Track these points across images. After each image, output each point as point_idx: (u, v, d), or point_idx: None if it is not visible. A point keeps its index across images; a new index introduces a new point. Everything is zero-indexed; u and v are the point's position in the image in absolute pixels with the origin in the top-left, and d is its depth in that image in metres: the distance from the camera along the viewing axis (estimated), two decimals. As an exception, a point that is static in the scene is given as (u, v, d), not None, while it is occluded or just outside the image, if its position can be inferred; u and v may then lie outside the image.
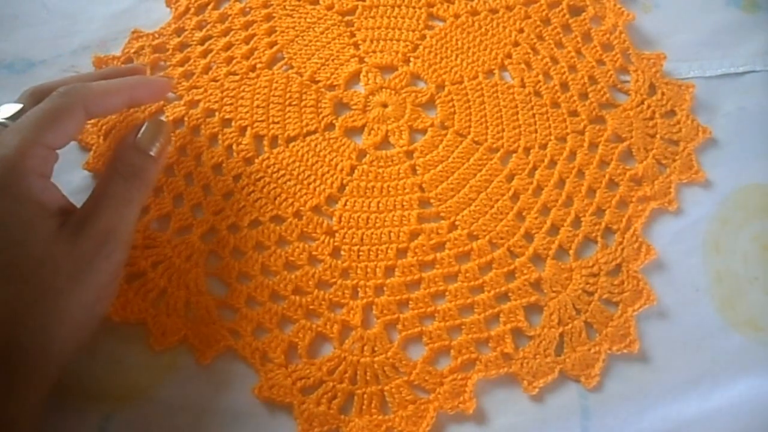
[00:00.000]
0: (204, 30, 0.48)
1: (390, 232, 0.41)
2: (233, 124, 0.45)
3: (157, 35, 0.48)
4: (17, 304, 0.32)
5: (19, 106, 0.38)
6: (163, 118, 0.45)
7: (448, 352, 0.39)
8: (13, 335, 0.31)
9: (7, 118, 0.37)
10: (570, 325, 0.39)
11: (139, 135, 0.38)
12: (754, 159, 0.45)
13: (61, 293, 0.33)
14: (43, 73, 0.48)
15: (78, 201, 0.42)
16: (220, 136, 0.45)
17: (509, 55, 0.47)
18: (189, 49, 0.48)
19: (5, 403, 0.31)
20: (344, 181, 0.43)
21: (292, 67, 0.47)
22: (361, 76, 0.47)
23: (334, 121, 0.45)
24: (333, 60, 0.47)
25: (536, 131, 0.45)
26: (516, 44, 0.48)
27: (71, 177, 0.44)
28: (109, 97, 0.39)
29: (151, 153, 0.38)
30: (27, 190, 0.33)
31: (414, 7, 0.49)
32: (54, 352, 0.33)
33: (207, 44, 0.48)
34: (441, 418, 0.37)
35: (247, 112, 0.45)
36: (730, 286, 0.40)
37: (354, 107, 0.46)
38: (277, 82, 0.46)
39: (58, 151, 0.44)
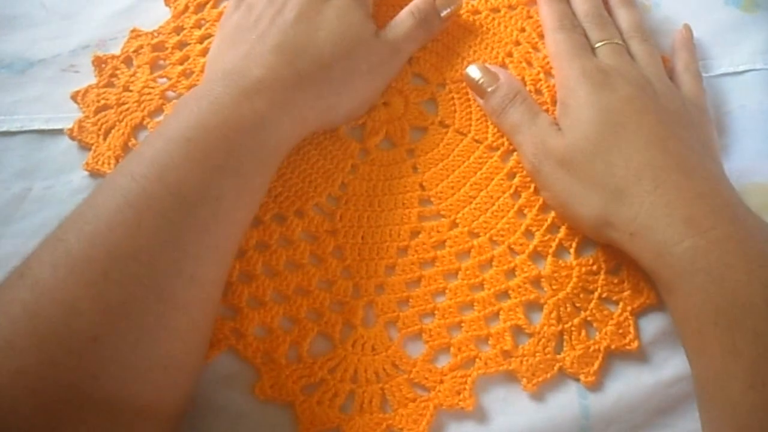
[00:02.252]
0: (203, 28, 0.48)
1: (391, 230, 0.41)
2: (233, 123, 0.45)
3: (156, 34, 0.48)
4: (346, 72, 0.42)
5: None
6: (162, 117, 0.45)
7: (448, 350, 0.39)
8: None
9: None
10: (570, 323, 0.39)
11: None
12: (754, 158, 0.45)
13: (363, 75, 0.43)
14: (42, 73, 0.48)
15: (78, 201, 0.42)
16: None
17: (510, 54, 0.47)
18: (188, 48, 0.48)
19: None
20: (345, 180, 0.43)
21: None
22: (362, 75, 0.46)
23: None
24: None
25: (537, 130, 0.45)
26: (517, 43, 0.48)
27: (71, 177, 0.44)
28: None
29: (442, 14, 0.46)
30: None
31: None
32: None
33: (206, 43, 0.48)
34: (441, 416, 0.37)
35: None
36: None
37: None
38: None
39: (60, 151, 0.44)
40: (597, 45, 0.44)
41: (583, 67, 0.42)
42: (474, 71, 0.45)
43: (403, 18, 0.45)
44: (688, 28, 0.48)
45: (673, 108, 0.41)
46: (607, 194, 0.38)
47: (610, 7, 0.47)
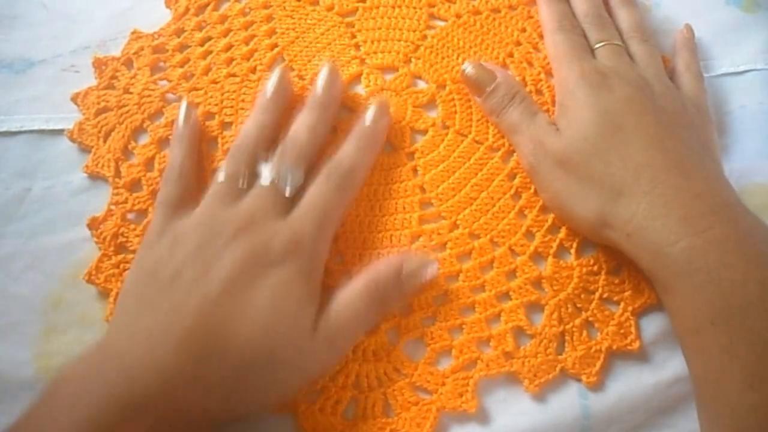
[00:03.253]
0: (204, 31, 0.48)
1: (392, 235, 0.41)
2: (233, 127, 0.45)
3: (156, 36, 0.48)
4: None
5: None
6: (162, 120, 0.45)
7: (449, 352, 0.39)
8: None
9: None
10: (571, 324, 0.39)
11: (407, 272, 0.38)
12: (755, 158, 0.45)
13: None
14: (43, 73, 0.47)
15: (78, 202, 0.42)
16: (219, 140, 0.44)
17: (511, 54, 0.47)
18: (189, 50, 0.48)
19: None
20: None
21: (293, 70, 0.47)
22: (362, 78, 0.46)
23: (335, 124, 0.45)
24: (334, 62, 0.47)
25: (537, 130, 0.45)
26: (518, 44, 0.48)
27: (71, 177, 0.44)
28: None
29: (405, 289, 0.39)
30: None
31: (415, 8, 0.49)
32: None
33: (207, 45, 0.48)
34: (443, 418, 0.37)
35: (247, 115, 0.45)
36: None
37: (355, 109, 0.45)
38: (278, 84, 0.46)
39: (60, 151, 0.44)
40: (596, 46, 0.44)
41: (581, 68, 0.42)
42: (471, 69, 0.44)
43: (354, 299, 0.37)
44: (689, 28, 0.48)
45: (672, 108, 0.41)
46: (605, 194, 0.38)
47: (610, 7, 0.47)
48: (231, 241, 0.35)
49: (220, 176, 0.39)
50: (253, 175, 0.39)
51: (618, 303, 0.40)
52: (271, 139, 0.41)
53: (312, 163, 0.40)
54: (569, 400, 0.38)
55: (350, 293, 0.37)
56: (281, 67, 0.44)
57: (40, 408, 0.32)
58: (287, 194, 0.38)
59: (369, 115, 0.42)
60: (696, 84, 0.45)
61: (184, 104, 0.43)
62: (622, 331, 0.39)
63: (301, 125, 0.41)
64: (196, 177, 0.41)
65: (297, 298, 0.35)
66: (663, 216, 0.35)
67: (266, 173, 0.39)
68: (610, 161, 0.38)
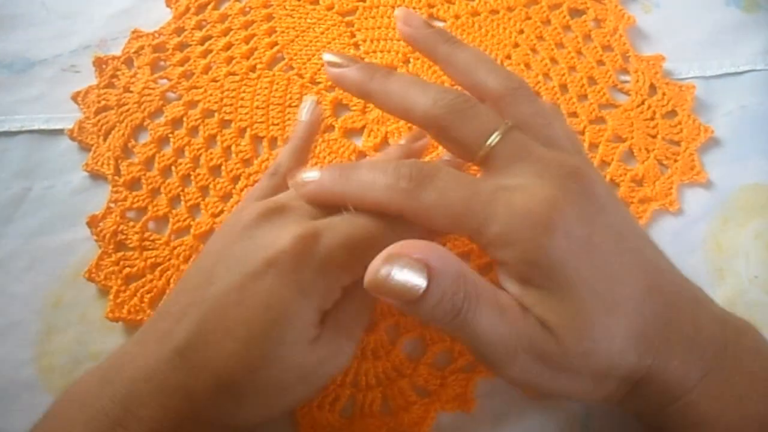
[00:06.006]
0: (204, 30, 0.48)
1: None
2: (233, 125, 0.45)
3: (157, 35, 0.48)
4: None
5: None
6: (162, 118, 0.45)
7: (448, 353, 0.39)
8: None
9: None
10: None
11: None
12: (755, 158, 0.45)
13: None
14: (43, 73, 0.48)
15: (78, 201, 0.43)
16: (219, 138, 0.45)
17: (509, 56, 0.47)
18: (189, 49, 0.48)
19: None
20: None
21: (292, 68, 0.47)
22: (362, 77, 0.46)
23: (333, 123, 0.45)
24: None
25: (536, 131, 0.45)
26: (516, 45, 0.48)
27: (71, 177, 0.44)
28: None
29: None
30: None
31: (414, 8, 0.49)
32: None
33: (207, 44, 0.48)
34: (441, 419, 0.37)
35: (246, 113, 0.45)
36: (732, 286, 0.40)
37: (353, 108, 0.45)
38: (277, 84, 0.46)
39: (60, 151, 0.44)
40: (490, 141, 0.31)
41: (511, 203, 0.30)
42: (396, 274, 0.27)
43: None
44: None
45: (604, 196, 0.32)
46: (596, 380, 0.31)
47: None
48: None
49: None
50: None
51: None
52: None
53: None
54: (569, 401, 0.37)
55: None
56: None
57: (47, 418, 0.31)
58: None
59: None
60: (539, 105, 0.34)
61: (310, 102, 0.40)
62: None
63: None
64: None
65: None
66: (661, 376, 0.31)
67: None
68: (611, 349, 0.30)
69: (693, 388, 0.30)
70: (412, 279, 0.27)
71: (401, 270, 0.27)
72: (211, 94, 0.46)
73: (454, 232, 0.32)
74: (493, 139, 0.31)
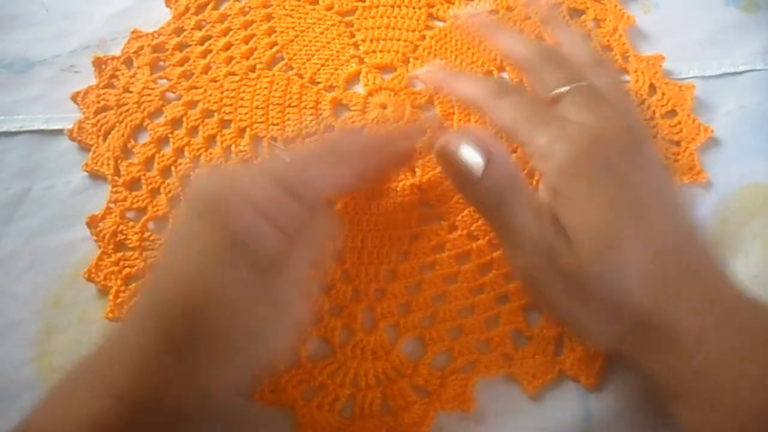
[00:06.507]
0: (203, 30, 0.48)
1: (390, 234, 0.41)
2: (232, 125, 0.45)
3: (156, 35, 0.48)
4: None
5: None
6: (162, 118, 0.45)
7: (448, 353, 0.39)
8: None
9: None
10: (569, 326, 0.39)
11: None
12: (754, 158, 0.45)
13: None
14: (43, 73, 0.48)
15: (77, 201, 0.43)
16: (218, 138, 0.45)
17: (509, 56, 0.47)
18: (188, 49, 0.48)
19: None
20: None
21: (292, 68, 0.47)
22: (361, 77, 0.47)
23: (333, 123, 0.45)
24: (333, 60, 0.47)
25: (536, 131, 0.45)
26: (515, 44, 0.48)
27: (71, 177, 0.44)
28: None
29: None
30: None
31: (414, 8, 0.49)
32: None
33: (207, 44, 0.48)
34: (441, 419, 0.37)
35: (246, 113, 0.45)
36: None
37: (353, 108, 0.45)
38: (277, 83, 0.46)
39: (60, 151, 0.44)
40: (558, 90, 0.36)
41: (569, 135, 0.34)
42: (463, 148, 0.34)
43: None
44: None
45: (647, 153, 0.35)
46: (625, 321, 0.33)
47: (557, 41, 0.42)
48: None
49: None
50: None
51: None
52: None
53: None
54: (569, 400, 0.38)
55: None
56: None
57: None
58: None
59: None
60: (619, 83, 0.40)
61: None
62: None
63: None
64: None
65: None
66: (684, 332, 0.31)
67: None
68: (624, 279, 0.32)
69: (706, 346, 0.31)
70: (474, 158, 0.33)
71: (467, 146, 0.34)
72: (210, 94, 0.46)
73: (512, 137, 0.36)
74: (566, 88, 0.36)
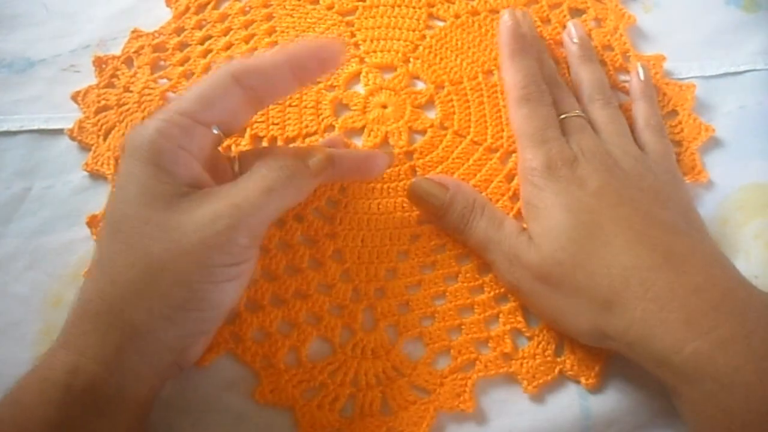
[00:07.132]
0: (204, 29, 0.48)
1: (391, 233, 0.41)
2: (232, 124, 0.45)
3: (156, 35, 0.48)
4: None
5: None
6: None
7: (448, 353, 0.39)
8: None
9: None
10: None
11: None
12: (754, 158, 0.45)
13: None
14: (43, 73, 0.48)
15: (78, 201, 0.43)
16: (219, 137, 0.44)
17: (509, 55, 0.47)
18: (189, 49, 0.48)
19: None
20: (344, 183, 0.43)
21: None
22: (361, 77, 0.46)
23: (333, 123, 0.45)
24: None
25: (536, 131, 0.45)
26: (516, 44, 0.48)
27: (71, 177, 0.44)
28: (262, 67, 0.35)
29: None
30: (152, 155, 0.32)
31: (414, 7, 0.49)
32: None
33: (207, 44, 0.48)
34: (441, 418, 0.37)
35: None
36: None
37: (354, 108, 0.45)
38: (277, 83, 0.46)
39: (60, 151, 0.44)
40: (560, 117, 0.42)
41: (548, 157, 0.39)
42: (421, 184, 0.41)
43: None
44: (646, 70, 0.45)
45: (646, 185, 0.38)
46: (596, 307, 0.35)
47: (570, 64, 0.46)
48: None
49: None
50: None
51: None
52: None
53: None
54: (569, 400, 0.38)
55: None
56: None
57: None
58: None
59: None
60: (661, 142, 0.42)
61: None
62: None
63: None
64: None
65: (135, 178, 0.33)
66: (661, 322, 0.32)
67: None
68: (594, 270, 0.35)
69: (695, 338, 0.32)
70: (437, 190, 0.40)
71: (429, 182, 0.40)
72: (211, 94, 0.46)
73: (517, 143, 0.42)
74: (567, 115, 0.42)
